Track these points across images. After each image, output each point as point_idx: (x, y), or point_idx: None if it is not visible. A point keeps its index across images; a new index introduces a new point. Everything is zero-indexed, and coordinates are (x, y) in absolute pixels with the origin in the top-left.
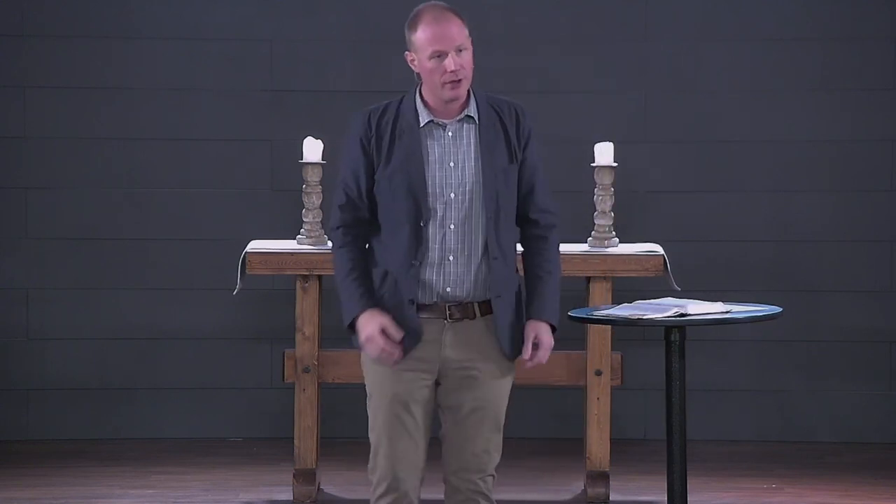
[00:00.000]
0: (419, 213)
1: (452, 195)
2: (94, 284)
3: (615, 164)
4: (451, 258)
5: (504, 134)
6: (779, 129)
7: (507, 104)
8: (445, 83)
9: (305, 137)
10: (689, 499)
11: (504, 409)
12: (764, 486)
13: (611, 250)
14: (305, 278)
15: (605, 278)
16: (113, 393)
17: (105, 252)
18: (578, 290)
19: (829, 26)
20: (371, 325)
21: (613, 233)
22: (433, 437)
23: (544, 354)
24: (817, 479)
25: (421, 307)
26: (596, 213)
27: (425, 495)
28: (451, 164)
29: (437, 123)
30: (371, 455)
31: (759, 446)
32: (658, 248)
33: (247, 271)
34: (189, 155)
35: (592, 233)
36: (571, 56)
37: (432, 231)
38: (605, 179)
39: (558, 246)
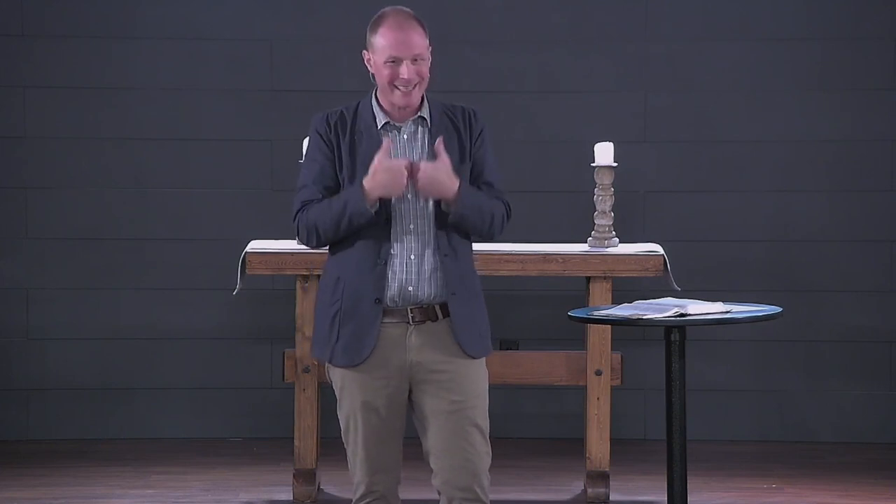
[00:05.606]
0: (381, 211)
1: (409, 195)
2: (94, 284)
3: (615, 164)
4: (412, 257)
5: (457, 134)
6: (779, 129)
7: (461, 109)
8: (396, 89)
9: (305, 137)
10: (689, 499)
11: (484, 409)
12: (764, 486)
13: (611, 250)
14: (305, 278)
15: (605, 278)
16: (113, 393)
17: (105, 252)
18: (578, 290)
19: (829, 26)
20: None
21: (613, 233)
22: (414, 439)
23: (427, 168)
24: (817, 479)
25: (383, 312)
26: (596, 213)
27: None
28: None
29: (393, 125)
30: (349, 459)
31: (759, 446)
32: (658, 248)
33: (247, 271)
34: (189, 155)
35: (592, 233)
36: (571, 56)
37: (394, 230)
38: (605, 179)
39: (500, 210)
